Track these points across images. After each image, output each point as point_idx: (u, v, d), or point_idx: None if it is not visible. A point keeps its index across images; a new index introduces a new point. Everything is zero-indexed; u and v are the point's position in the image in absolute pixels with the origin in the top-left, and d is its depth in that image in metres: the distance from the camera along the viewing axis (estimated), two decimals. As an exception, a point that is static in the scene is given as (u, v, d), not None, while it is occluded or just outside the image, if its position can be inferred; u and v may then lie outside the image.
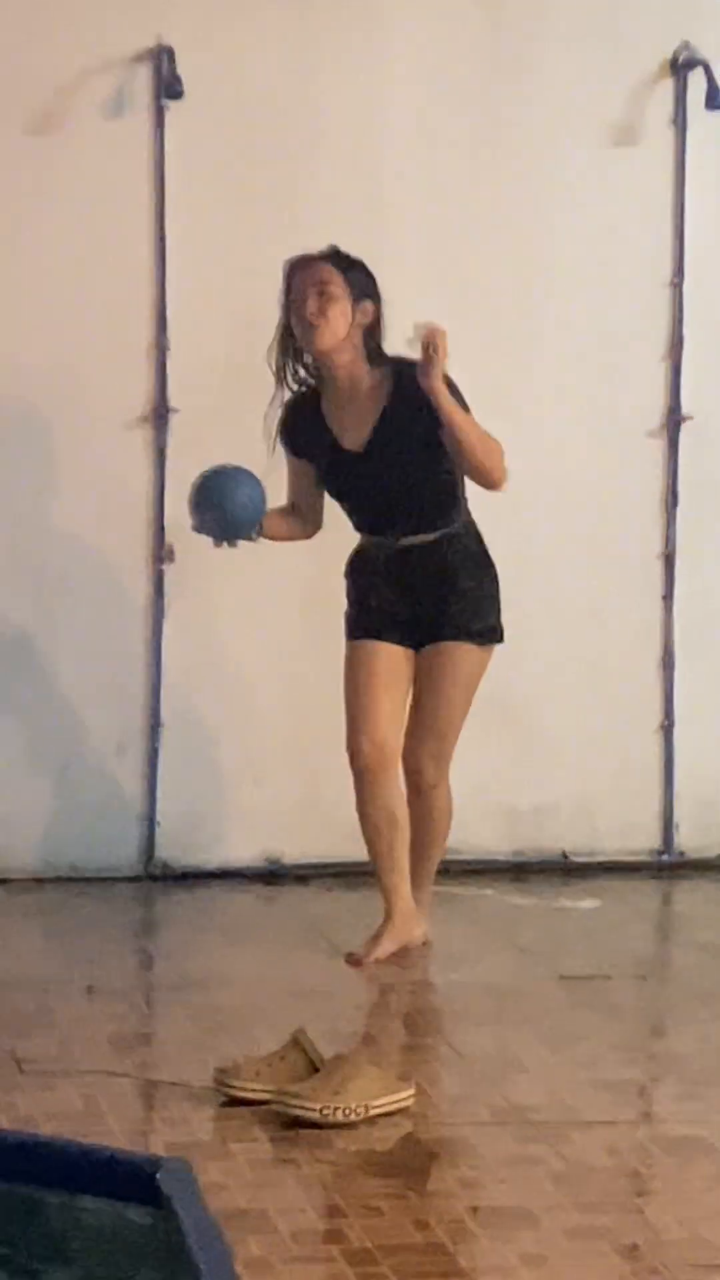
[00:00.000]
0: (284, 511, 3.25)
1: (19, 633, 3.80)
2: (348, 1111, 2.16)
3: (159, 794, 3.84)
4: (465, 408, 3.05)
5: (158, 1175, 1.10)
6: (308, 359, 3.13)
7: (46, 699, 3.83)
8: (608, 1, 3.85)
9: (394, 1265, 1.63)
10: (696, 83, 3.77)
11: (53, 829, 3.84)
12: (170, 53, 3.58)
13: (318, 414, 3.16)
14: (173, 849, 3.84)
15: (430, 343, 2.93)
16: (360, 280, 3.08)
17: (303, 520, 3.27)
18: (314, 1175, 1.99)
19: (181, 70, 3.59)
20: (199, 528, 3.14)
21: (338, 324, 3.03)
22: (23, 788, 3.77)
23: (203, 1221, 0.99)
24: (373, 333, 3.10)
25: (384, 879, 3.16)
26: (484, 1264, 1.71)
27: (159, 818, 3.84)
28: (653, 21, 3.79)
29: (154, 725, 3.82)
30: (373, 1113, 2.18)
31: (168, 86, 3.60)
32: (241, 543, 3.14)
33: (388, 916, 3.14)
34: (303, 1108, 2.15)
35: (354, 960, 3.09)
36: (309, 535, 3.30)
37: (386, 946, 3.11)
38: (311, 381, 3.16)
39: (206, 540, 3.17)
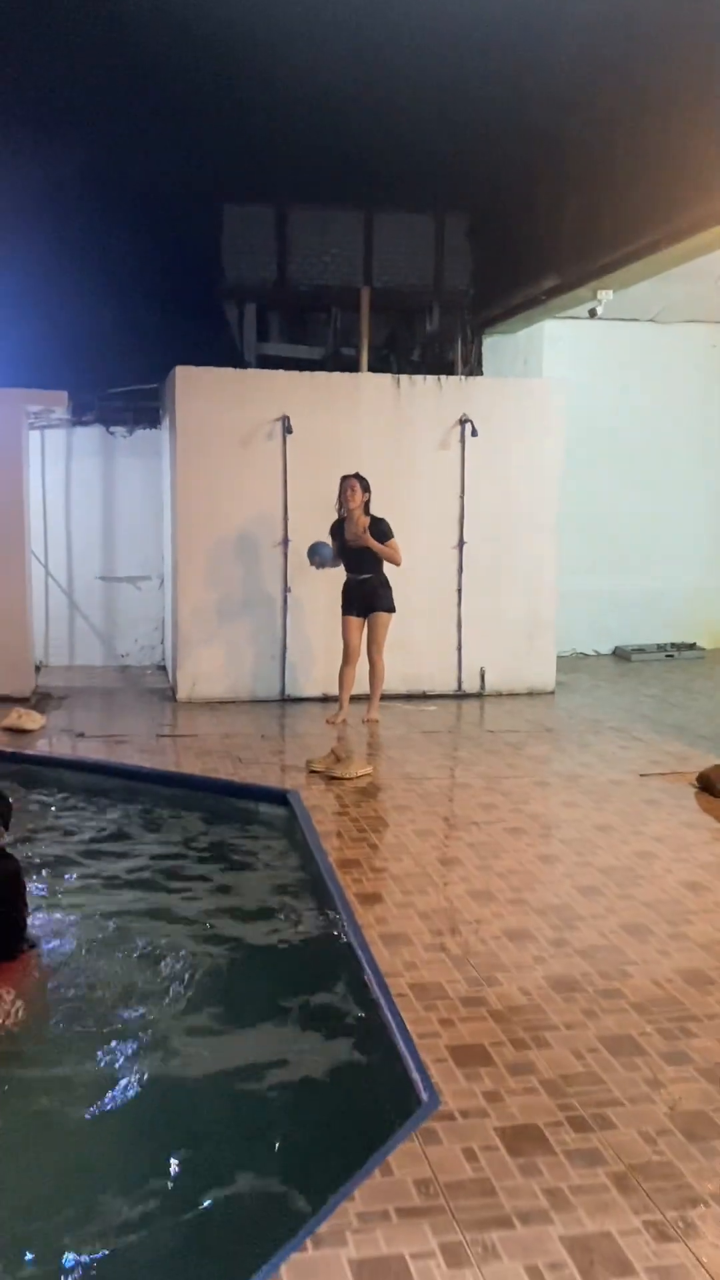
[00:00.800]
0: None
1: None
2: (349, 774, 6.52)
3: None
4: (387, 533, 7.55)
5: (287, 794, 5.55)
6: (343, 512, 7.52)
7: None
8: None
9: (371, 819, 5.96)
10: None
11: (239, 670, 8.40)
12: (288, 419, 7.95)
13: (340, 525, 7.53)
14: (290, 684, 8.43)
15: (360, 527, 7.34)
16: (363, 483, 7.43)
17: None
18: (339, 792, 6.31)
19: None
20: (317, 563, 7.71)
21: (358, 498, 7.42)
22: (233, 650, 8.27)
23: (304, 813, 5.39)
24: (366, 504, 7.42)
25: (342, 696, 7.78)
26: (401, 805, 6.05)
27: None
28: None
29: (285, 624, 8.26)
30: (359, 774, 6.54)
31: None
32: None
33: (341, 709, 7.80)
34: (333, 774, 6.51)
35: (329, 720, 7.66)
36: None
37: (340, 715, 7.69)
38: (342, 511, 7.51)
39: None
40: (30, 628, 9.23)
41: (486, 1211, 2.53)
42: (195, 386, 8.87)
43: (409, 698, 9.10)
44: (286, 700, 9.03)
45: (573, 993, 3.69)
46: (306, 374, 9.19)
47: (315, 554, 8.00)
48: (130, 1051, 3.40)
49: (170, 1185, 2.78)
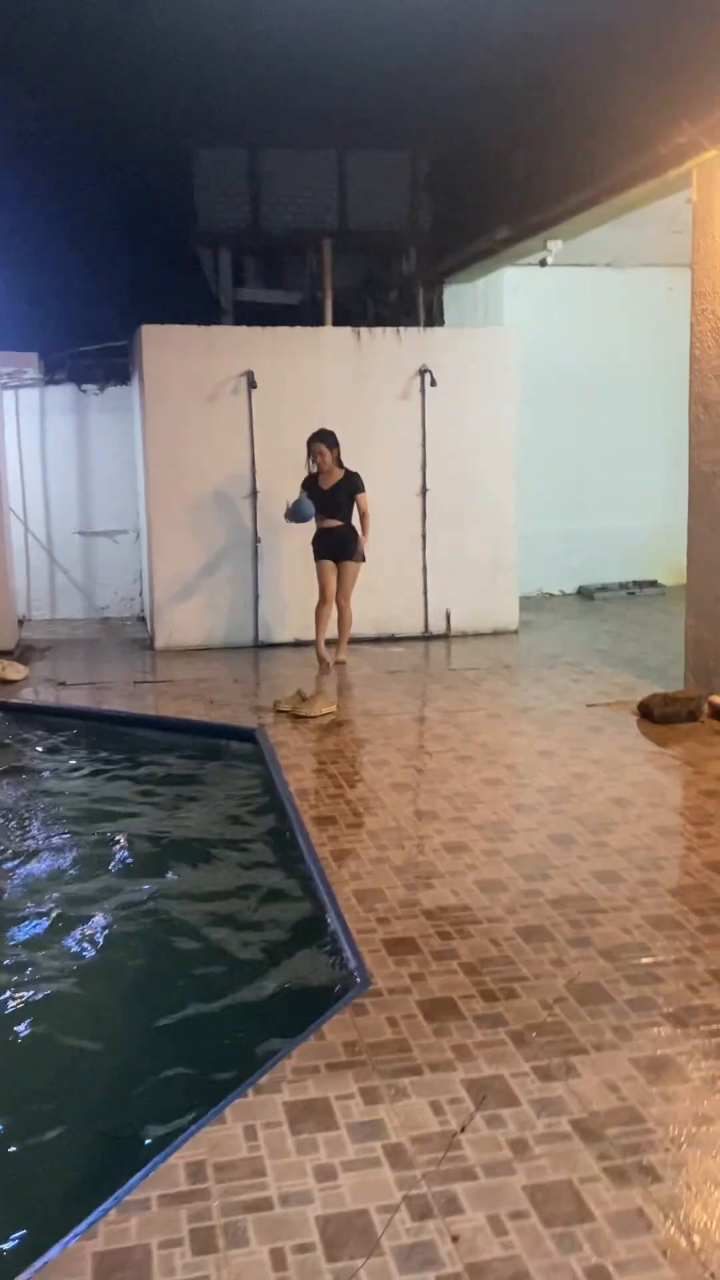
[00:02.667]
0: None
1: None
2: (314, 712, 6.96)
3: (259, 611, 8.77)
4: (360, 486, 8.06)
5: (254, 731, 5.98)
6: (313, 467, 7.87)
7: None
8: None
9: (331, 752, 6.41)
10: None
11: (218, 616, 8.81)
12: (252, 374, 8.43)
13: (314, 478, 7.91)
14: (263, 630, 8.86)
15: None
16: (328, 441, 7.84)
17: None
18: (303, 730, 6.76)
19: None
20: (292, 519, 8.17)
21: (328, 458, 7.80)
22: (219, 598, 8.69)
23: (271, 750, 5.83)
24: (337, 458, 7.91)
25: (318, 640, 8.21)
26: (361, 739, 6.51)
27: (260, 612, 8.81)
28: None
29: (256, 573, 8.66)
30: (323, 712, 6.98)
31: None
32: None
33: (320, 654, 8.27)
34: (299, 712, 6.95)
35: (325, 666, 8.07)
36: None
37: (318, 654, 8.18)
38: (314, 469, 7.87)
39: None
40: (11, 583, 9.60)
41: (401, 1063, 3.01)
42: (161, 344, 9.17)
43: (378, 640, 9.54)
44: (260, 646, 9.46)
45: (497, 893, 4.16)
46: (270, 329, 9.48)
47: (298, 513, 8.31)
48: (100, 925, 3.89)
49: (143, 1035, 3.27)
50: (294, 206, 11.22)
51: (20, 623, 10.59)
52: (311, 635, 8.71)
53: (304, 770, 5.78)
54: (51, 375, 10.69)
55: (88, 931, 4.01)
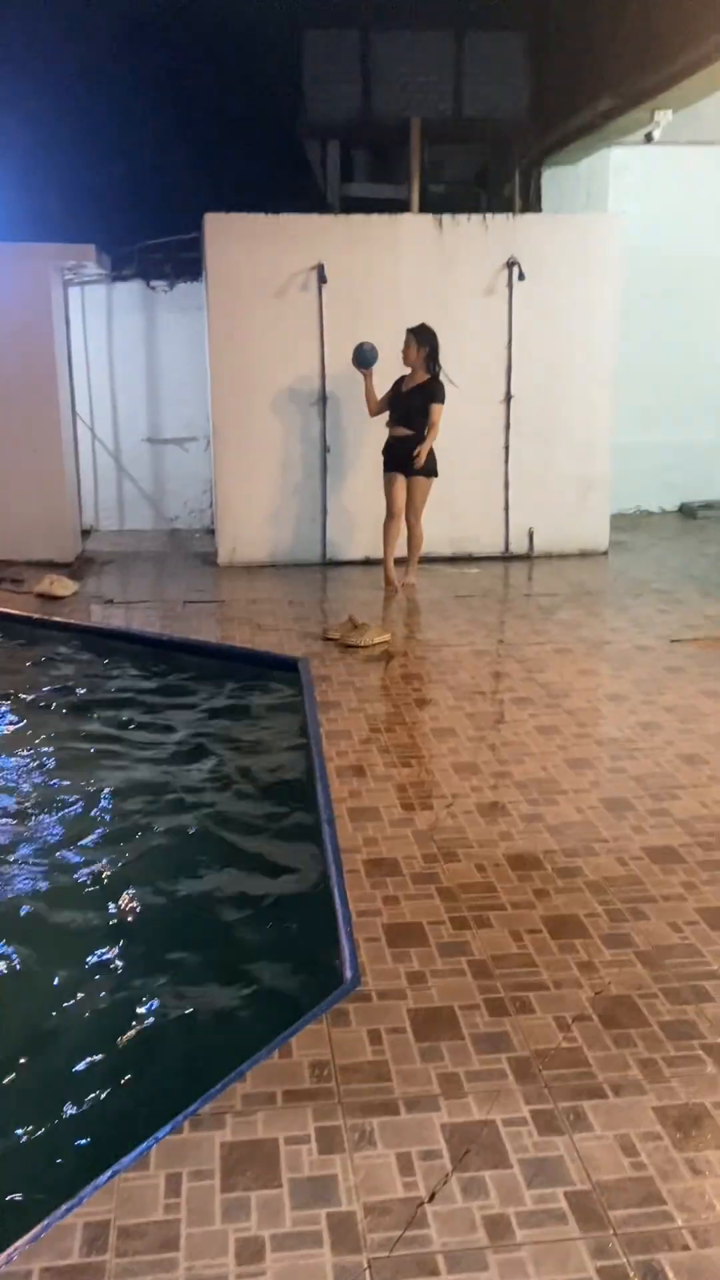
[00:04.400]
0: (382, 399, 7.58)
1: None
2: (364, 641, 6.41)
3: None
4: (437, 396, 7.40)
5: (297, 661, 5.45)
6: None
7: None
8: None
9: (375, 689, 5.87)
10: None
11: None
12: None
13: (402, 378, 7.27)
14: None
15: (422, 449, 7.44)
16: (420, 336, 7.20)
17: (382, 408, 7.58)
18: (351, 661, 6.21)
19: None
20: (354, 362, 7.58)
21: (413, 354, 7.15)
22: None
23: (309, 683, 5.30)
24: (428, 357, 7.22)
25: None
26: (411, 673, 5.95)
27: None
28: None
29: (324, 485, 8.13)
30: (375, 641, 6.42)
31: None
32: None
33: (387, 574, 7.66)
34: (348, 641, 6.41)
35: (392, 588, 7.48)
36: (371, 411, 7.64)
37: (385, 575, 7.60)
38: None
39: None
40: (72, 492, 9.21)
41: (375, 1096, 2.51)
42: (225, 234, 8.49)
43: (453, 560, 8.88)
44: (328, 564, 8.90)
45: (529, 871, 3.60)
46: (342, 217, 8.70)
47: (361, 355, 7.66)
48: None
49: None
50: (405, 94, 10.34)
51: (87, 533, 10.26)
52: (401, 553, 8.06)
53: (341, 709, 5.25)
54: (119, 271, 10.11)
55: (43, 901, 3.59)
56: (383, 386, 7.73)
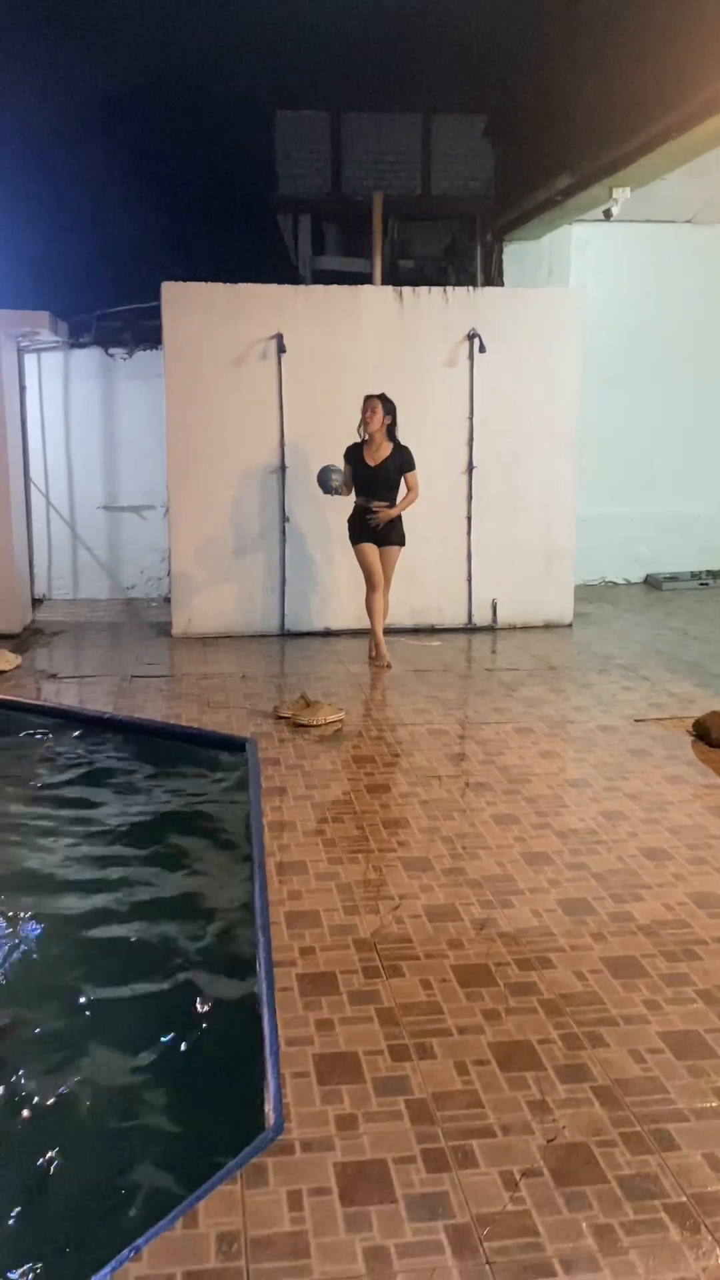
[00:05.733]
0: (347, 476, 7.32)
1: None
2: (319, 721, 6.12)
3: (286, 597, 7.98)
4: (411, 463, 7.23)
5: (245, 742, 5.15)
6: (363, 434, 7.04)
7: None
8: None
9: (325, 773, 5.57)
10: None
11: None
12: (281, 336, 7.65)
13: (360, 448, 7.06)
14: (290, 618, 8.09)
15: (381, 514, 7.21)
16: (386, 404, 6.99)
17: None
18: (302, 741, 5.92)
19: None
20: (324, 489, 7.36)
21: (377, 422, 6.92)
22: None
23: (255, 765, 5.00)
24: (390, 427, 7.05)
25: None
26: (364, 756, 5.65)
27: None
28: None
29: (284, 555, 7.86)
30: (328, 720, 6.13)
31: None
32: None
33: (378, 646, 7.40)
34: (300, 720, 6.11)
35: (379, 661, 7.37)
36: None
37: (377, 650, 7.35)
38: (363, 436, 7.05)
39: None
40: (21, 561, 8.93)
41: (288, 1278, 2.17)
42: (183, 304, 8.36)
43: (415, 631, 8.67)
44: (287, 635, 8.65)
45: (479, 987, 3.29)
46: (302, 288, 8.61)
47: (325, 480, 7.42)
48: None
49: None
50: (375, 172, 10.51)
51: (39, 602, 9.97)
52: (358, 625, 7.78)
53: (287, 796, 4.95)
54: (76, 338, 9.96)
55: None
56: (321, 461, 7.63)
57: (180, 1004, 3.32)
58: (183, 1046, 3.11)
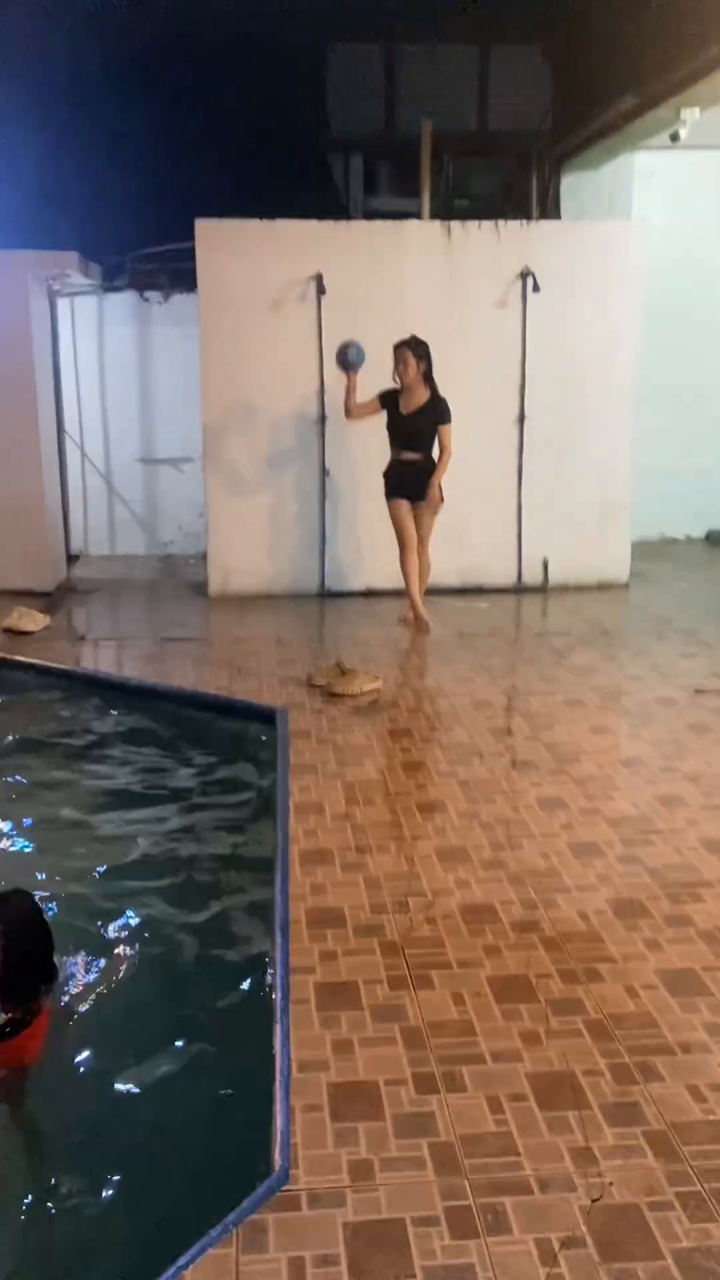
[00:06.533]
0: (364, 405, 6.87)
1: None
2: (355, 691, 5.76)
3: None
4: (447, 415, 6.75)
5: (275, 712, 4.80)
6: (396, 381, 6.62)
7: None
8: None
9: (357, 748, 5.22)
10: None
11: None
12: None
13: (395, 395, 6.64)
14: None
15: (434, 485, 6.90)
16: (418, 350, 6.52)
17: (363, 414, 6.89)
18: (335, 713, 5.56)
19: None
20: (339, 363, 7.01)
21: (411, 371, 6.53)
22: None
23: (284, 739, 4.64)
24: (426, 373, 6.61)
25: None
26: (401, 729, 5.29)
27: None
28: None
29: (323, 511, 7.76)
30: (364, 690, 5.77)
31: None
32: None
33: (413, 608, 7.02)
34: (334, 690, 5.75)
35: (407, 623, 6.93)
36: (350, 415, 7.04)
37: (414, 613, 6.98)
38: (397, 386, 6.63)
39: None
40: (54, 517, 8.64)
41: None
42: (217, 243, 7.92)
43: (462, 592, 8.23)
44: (326, 595, 8.28)
45: (518, 1003, 2.93)
46: (343, 223, 8.13)
47: (346, 356, 6.98)
48: None
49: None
50: (430, 108, 9.93)
51: (75, 559, 9.69)
52: (400, 585, 7.32)
53: (316, 775, 4.61)
54: (110, 281, 9.55)
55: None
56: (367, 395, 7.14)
57: (186, 1016, 3.01)
58: (183, 1064, 2.80)
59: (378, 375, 7.02)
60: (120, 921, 3.55)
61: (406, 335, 6.99)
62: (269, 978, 3.09)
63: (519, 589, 8.38)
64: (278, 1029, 2.79)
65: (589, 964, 3.13)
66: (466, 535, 8.14)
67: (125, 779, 4.81)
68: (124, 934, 3.49)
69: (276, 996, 2.95)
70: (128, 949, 3.40)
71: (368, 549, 8.19)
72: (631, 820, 4.15)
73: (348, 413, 7.07)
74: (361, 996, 2.96)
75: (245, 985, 3.17)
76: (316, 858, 3.81)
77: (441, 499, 6.97)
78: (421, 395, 6.88)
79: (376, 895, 3.54)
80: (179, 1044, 2.91)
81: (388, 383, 7.00)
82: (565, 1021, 2.86)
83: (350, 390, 6.97)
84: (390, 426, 7.01)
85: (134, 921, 3.55)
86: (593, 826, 4.10)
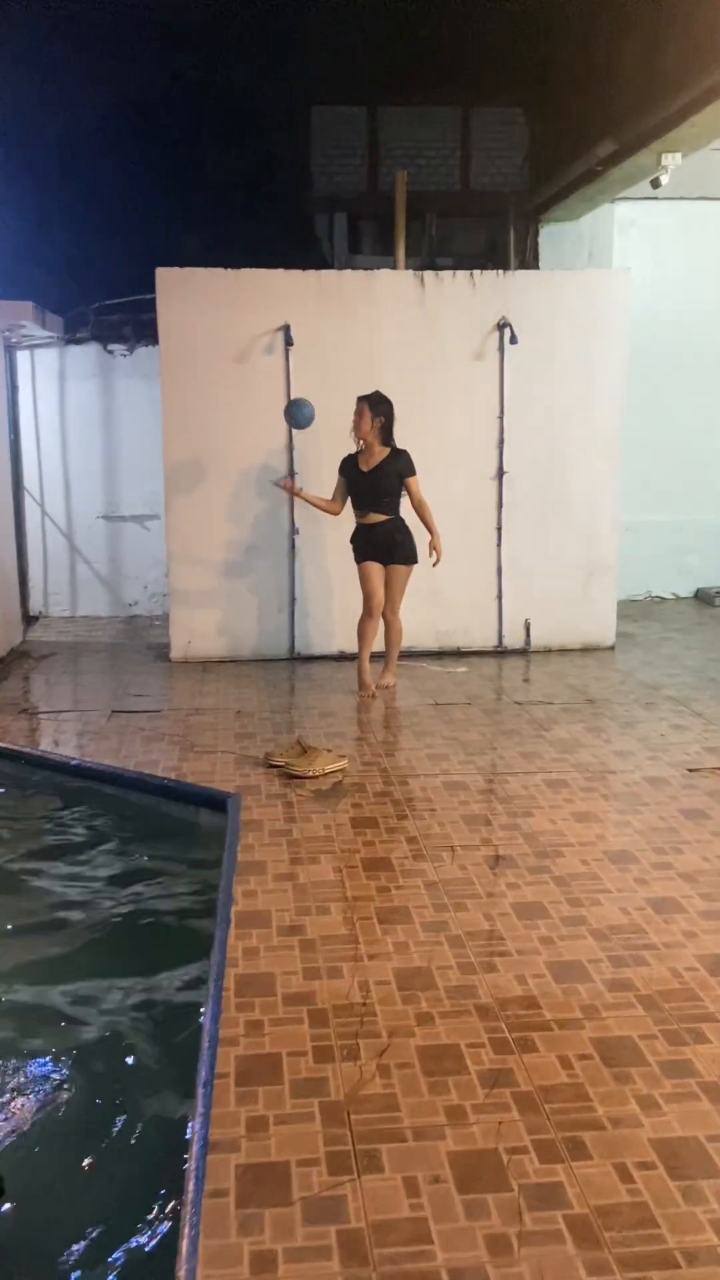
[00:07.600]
0: (336, 489, 6.57)
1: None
2: (316, 772, 5.24)
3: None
4: (409, 469, 6.31)
5: (227, 798, 4.27)
6: (353, 435, 6.30)
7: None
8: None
9: (314, 841, 4.70)
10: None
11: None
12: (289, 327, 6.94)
13: (355, 457, 6.29)
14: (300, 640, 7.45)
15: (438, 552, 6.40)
16: (375, 405, 6.16)
17: (342, 498, 6.55)
18: (295, 797, 5.02)
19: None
20: (288, 421, 6.74)
21: (366, 426, 6.13)
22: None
23: (234, 830, 4.12)
24: (384, 428, 6.27)
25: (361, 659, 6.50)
26: (365, 818, 4.78)
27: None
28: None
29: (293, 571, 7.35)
30: (326, 770, 5.25)
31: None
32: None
33: (364, 682, 6.55)
34: (294, 770, 5.23)
35: (368, 692, 6.50)
36: (336, 513, 6.62)
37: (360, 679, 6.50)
38: (356, 445, 6.31)
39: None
40: (8, 577, 8.17)
41: None
42: (179, 292, 7.55)
43: (440, 655, 7.77)
44: (297, 659, 7.80)
45: (482, 1192, 2.39)
46: (312, 273, 7.74)
47: (293, 415, 6.73)
48: None
49: None
50: (413, 168, 9.87)
51: (34, 620, 9.20)
52: (383, 648, 6.92)
53: (265, 876, 4.08)
54: (72, 334, 9.18)
55: None
56: (330, 462, 6.75)
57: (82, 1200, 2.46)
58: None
59: (342, 422, 6.67)
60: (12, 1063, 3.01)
61: (371, 390, 6.63)
62: (184, 1160, 2.54)
63: (500, 652, 7.93)
64: (185, 1241, 2.24)
65: (575, 1136, 2.59)
66: (444, 595, 7.70)
67: (44, 880, 4.27)
68: (19, 1080, 2.94)
69: (190, 1191, 2.40)
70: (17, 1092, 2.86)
71: (340, 610, 7.74)
72: (620, 932, 3.63)
73: (331, 513, 6.77)
74: (293, 1187, 2.42)
75: (156, 1160, 2.61)
76: (256, 984, 3.28)
77: (415, 559, 6.58)
78: (379, 452, 6.51)
79: (322, 1036, 3.00)
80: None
81: (350, 445, 6.63)
82: (542, 1222, 2.31)
83: (312, 500, 6.79)
84: (351, 490, 6.61)
85: (30, 1067, 3.01)
86: (577, 941, 3.57)
